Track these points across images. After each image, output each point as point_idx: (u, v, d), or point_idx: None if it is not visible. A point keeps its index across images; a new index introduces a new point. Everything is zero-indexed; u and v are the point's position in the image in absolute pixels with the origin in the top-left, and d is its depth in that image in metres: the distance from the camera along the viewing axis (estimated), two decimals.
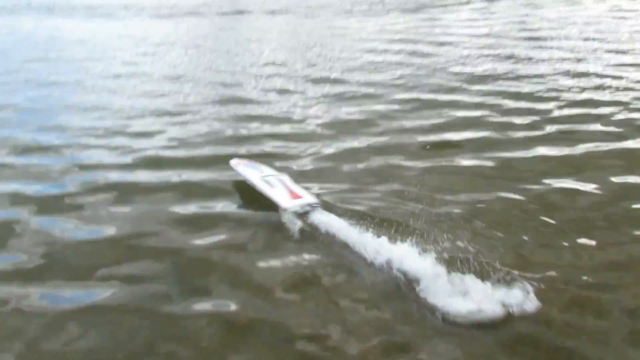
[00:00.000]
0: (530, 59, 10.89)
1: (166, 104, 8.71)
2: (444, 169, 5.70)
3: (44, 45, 15.22)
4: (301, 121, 7.61)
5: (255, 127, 7.41)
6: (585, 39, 12.57)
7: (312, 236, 4.57)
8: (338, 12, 20.07)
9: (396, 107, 8.09)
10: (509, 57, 11.07)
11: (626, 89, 8.48)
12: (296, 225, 4.76)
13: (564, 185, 5.16)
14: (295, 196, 5.26)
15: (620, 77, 9.09)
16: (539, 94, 8.48)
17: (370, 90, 9.14)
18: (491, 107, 7.91)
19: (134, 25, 19.08)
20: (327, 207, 4.94)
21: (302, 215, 4.92)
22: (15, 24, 19.83)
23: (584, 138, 6.40)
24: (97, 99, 9.03)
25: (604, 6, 17.09)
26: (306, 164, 5.97)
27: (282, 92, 9.25)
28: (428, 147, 6.23)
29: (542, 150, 6.09)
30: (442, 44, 13.07)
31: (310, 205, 5.11)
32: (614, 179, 5.23)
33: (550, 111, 7.56)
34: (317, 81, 9.93)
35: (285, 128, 7.31)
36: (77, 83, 10.33)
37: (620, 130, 6.68)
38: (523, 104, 7.93)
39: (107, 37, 16.75)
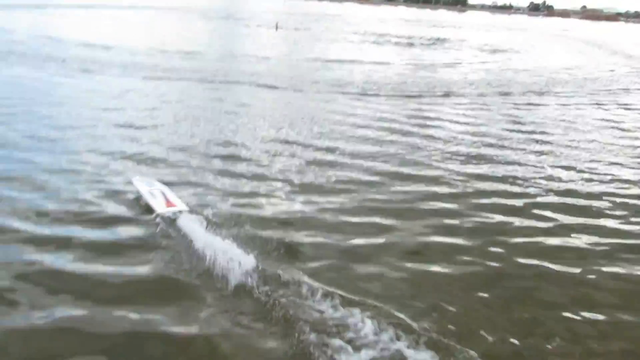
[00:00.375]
0: (514, 149, 11.71)
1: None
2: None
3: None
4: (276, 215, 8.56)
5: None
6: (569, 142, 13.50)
7: (176, 237, 6.18)
8: (329, 90, 20.54)
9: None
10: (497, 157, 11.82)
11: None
12: (164, 227, 6.45)
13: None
14: (169, 205, 6.78)
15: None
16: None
17: (362, 177, 10.57)
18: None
19: (126, 84, 19.31)
20: (195, 215, 6.67)
21: (172, 219, 6.58)
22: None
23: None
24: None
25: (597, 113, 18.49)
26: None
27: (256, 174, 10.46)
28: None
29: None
30: (432, 136, 13.70)
31: (180, 212, 6.65)
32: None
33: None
34: (299, 168, 11.07)
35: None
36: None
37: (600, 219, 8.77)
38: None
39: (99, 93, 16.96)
